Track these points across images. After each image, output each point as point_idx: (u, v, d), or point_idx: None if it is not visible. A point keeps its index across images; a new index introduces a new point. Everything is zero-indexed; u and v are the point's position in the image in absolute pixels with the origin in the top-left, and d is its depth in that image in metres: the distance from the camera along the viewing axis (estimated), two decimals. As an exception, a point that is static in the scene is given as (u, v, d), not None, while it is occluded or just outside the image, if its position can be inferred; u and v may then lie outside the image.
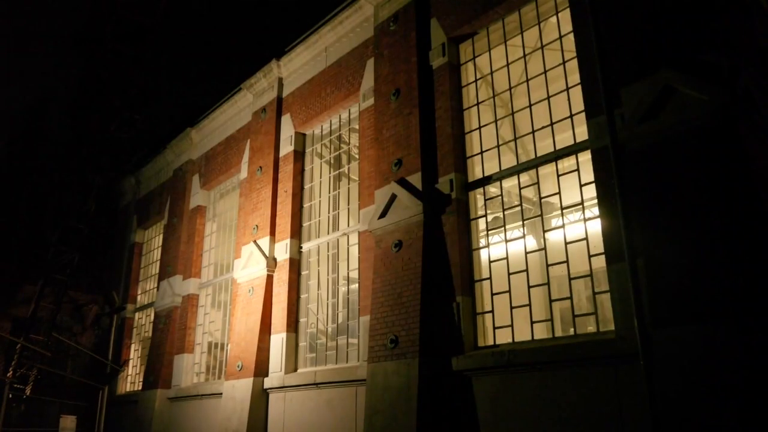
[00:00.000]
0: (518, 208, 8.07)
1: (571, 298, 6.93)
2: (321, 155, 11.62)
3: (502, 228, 7.96)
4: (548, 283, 7.21)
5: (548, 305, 7.12)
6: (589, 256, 6.71)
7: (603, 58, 6.63)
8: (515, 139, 8.11)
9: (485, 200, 8.27)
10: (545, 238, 7.71)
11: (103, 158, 15.81)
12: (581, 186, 6.99)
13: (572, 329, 6.95)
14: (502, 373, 6.90)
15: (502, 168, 7.99)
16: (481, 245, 8.08)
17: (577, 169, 7.12)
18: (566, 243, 7.00)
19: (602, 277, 6.89)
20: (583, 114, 6.96)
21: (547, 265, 7.20)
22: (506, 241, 7.72)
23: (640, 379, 5.56)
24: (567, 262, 6.98)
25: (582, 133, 7.04)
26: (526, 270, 7.35)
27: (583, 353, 6.15)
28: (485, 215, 8.23)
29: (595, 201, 6.74)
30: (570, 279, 6.90)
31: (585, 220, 6.99)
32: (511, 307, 7.32)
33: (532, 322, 7.11)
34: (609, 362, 5.97)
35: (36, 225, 19.48)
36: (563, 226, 7.31)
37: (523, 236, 7.83)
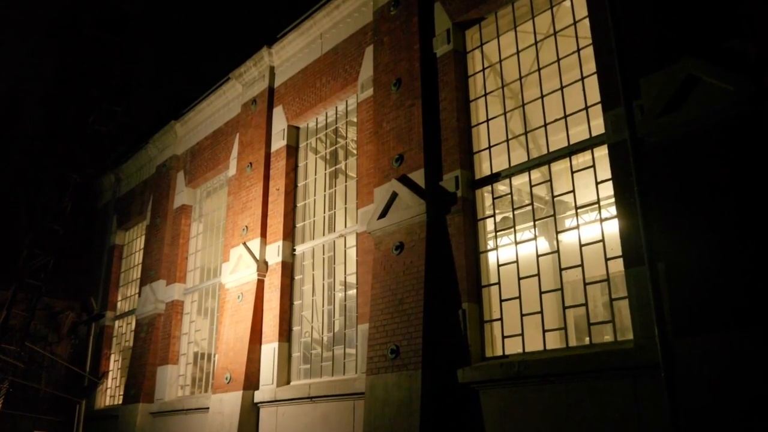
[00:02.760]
0: (529, 208, 8.07)
1: (586, 304, 6.93)
2: (316, 150, 11.63)
3: (512, 229, 7.96)
4: (561, 289, 7.21)
5: (561, 312, 7.12)
6: (606, 260, 6.72)
7: (621, 45, 6.64)
8: (526, 133, 8.11)
9: (493, 199, 8.28)
10: (558, 239, 7.71)
11: (80, 154, 15.82)
12: (597, 183, 7.00)
13: (587, 338, 6.96)
14: (512, 385, 6.90)
15: (512, 164, 7.99)
16: (488, 248, 8.08)
17: (593, 166, 7.12)
18: (581, 245, 7.00)
19: (620, 282, 6.88)
20: (600, 106, 6.96)
21: (561, 269, 7.20)
22: (516, 243, 7.73)
23: (661, 391, 5.57)
24: (582, 265, 6.98)
25: (598, 126, 7.05)
26: (538, 274, 7.35)
27: (600, 364, 6.16)
28: (493, 215, 8.23)
29: (612, 200, 6.75)
30: (585, 284, 6.90)
31: (601, 220, 7.00)
32: (522, 315, 7.32)
33: (544, 331, 7.11)
34: (627, 374, 5.98)
35: (8, 226, 19.47)
36: (578, 226, 7.32)
37: (535, 238, 7.82)
